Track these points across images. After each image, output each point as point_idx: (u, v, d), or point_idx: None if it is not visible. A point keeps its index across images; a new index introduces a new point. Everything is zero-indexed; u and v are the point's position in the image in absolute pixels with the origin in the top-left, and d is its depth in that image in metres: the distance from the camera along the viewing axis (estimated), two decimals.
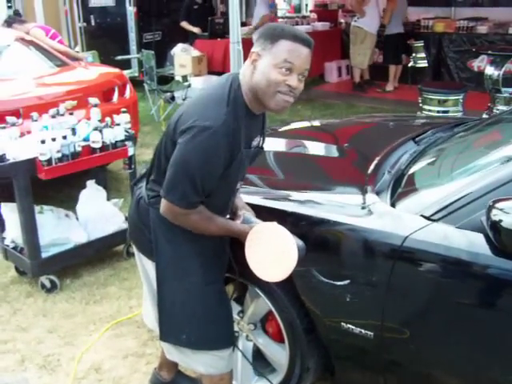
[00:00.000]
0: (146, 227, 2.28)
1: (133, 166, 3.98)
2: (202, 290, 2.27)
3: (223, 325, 2.37)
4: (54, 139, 3.45)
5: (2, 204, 3.86)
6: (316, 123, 4.20)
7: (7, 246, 3.86)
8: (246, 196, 2.57)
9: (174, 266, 2.27)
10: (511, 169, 2.05)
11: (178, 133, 2.03)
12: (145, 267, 2.44)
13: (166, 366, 2.79)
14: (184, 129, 1.99)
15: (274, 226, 2.15)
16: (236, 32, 5.85)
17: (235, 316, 2.66)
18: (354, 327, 2.22)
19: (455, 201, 2.08)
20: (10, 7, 11.89)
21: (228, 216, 2.35)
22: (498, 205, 1.86)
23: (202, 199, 2.09)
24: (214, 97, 2.06)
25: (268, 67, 1.97)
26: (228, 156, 2.02)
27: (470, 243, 1.98)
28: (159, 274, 2.29)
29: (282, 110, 2.07)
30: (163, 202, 2.11)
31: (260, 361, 2.70)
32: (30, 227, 3.59)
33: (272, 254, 2.11)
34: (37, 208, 3.76)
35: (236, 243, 2.27)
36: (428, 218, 2.11)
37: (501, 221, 1.84)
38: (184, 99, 8.29)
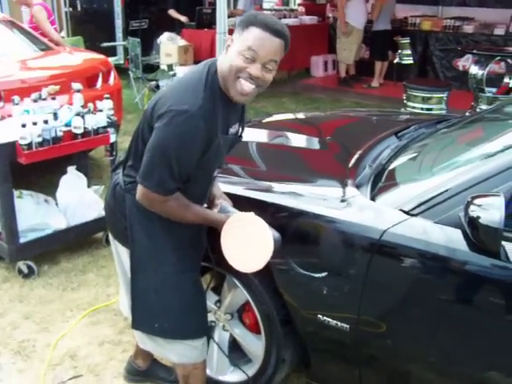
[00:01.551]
0: (122, 214, 2.26)
1: (114, 153, 3.95)
2: (176, 279, 2.26)
3: (197, 314, 2.36)
4: (35, 123, 3.41)
5: None
6: (300, 116, 4.20)
7: None
8: (228, 186, 2.57)
9: (148, 254, 2.25)
10: (490, 165, 2.06)
11: (156, 117, 2.02)
12: (119, 255, 2.42)
13: (142, 354, 2.79)
14: (161, 113, 1.98)
15: (250, 217, 2.15)
16: (223, 22, 5.83)
17: (212, 305, 2.66)
18: (330, 320, 2.22)
19: (434, 196, 2.09)
20: None
21: (205, 205, 2.34)
22: (476, 201, 1.87)
23: (179, 186, 2.08)
24: (191, 82, 2.05)
25: (234, 53, 1.96)
26: (205, 141, 2.01)
27: (448, 239, 1.99)
28: (133, 261, 2.28)
29: (243, 99, 2.04)
30: (139, 188, 2.09)
31: (236, 351, 2.70)
32: (8, 212, 3.56)
33: (248, 244, 2.11)
34: (16, 192, 3.73)
35: (213, 232, 2.26)
36: (407, 213, 2.11)
37: (478, 217, 1.85)
38: None
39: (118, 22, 10.35)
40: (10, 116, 3.68)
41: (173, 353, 2.40)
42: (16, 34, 5.75)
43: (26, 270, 3.73)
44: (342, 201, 2.31)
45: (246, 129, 3.71)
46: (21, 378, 2.88)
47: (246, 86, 1.97)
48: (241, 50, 1.94)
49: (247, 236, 2.11)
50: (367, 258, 2.10)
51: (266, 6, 12.71)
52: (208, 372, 2.74)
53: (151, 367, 2.84)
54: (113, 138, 3.88)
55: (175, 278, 2.26)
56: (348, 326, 2.19)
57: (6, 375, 2.89)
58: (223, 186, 2.56)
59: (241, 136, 2.31)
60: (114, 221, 2.35)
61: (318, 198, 2.38)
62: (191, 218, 2.18)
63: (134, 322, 2.38)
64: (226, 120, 2.12)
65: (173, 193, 2.07)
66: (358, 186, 2.41)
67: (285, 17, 11.29)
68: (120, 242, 2.37)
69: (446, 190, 2.07)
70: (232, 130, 2.19)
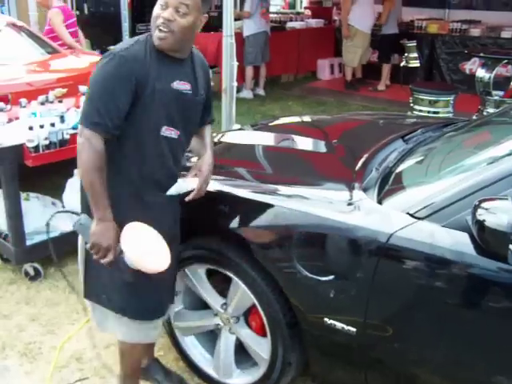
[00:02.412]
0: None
1: None
2: None
3: (147, 297, 2.38)
4: (42, 126, 3.42)
5: None
6: (306, 119, 4.21)
7: None
8: (234, 188, 2.57)
9: None
10: (498, 169, 2.05)
11: None
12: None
13: None
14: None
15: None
16: (229, 25, 5.81)
17: (218, 308, 2.66)
18: (336, 323, 2.22)
19: (441, 199, 2.08)
20: None
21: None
22: (483, 204, 1.87)
23: (107, 126, 2.12)
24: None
25: (155, 6, 2.17)
26: (133, 84, 2.12)
27: (455, 242, 1.98)
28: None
29: (161, 44, 2.16)
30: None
31: (242, 354, 2.69)
32: (15, 214, 3.57)
33: (149, 247, 2.21)
34: (23, 195, 3.74)
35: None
36: (414, 216, 2.11)
37: (486, 221, 1.84)
38: None
39: (125, 25, 10.33)
40: (17, 119, 3.69)
41: (117, 328, 2.48)
42: (23, 38, 5.77)
43: (32, 273, 3.74)
44: (349, 204, 2.31)
45: (253, 132, 3.73)
46: (27, 379, 2.88)
47: (161, 30, 2.13)
48: (158, 1, 2.15)
49: (149, 240, 2.21)
50: (374, 262, 2.09)
51: (272, 8, 12.70)
52: (214, 375, 2.75)
53: (149, 366, 2.84)
54: None
55: None
56: (354, 330, 2.18)
57: (12, 377, 2.90)
58: (229, 188, 2.57)
59: (197, 96, 2.34)
60: (82, 195, 2.34)
61: (324, 201, 2.38)
62: (90, 179, 2.13)
63: (85, 291, 2.48)
64: (167, 73, 2.21)
65: (97, 131, 2.12)
66: (364, 190, 2.41)
67: (291, 20, 11.31)
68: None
69: (454, 194, 2.07)
70: (178, 86, 2.24)
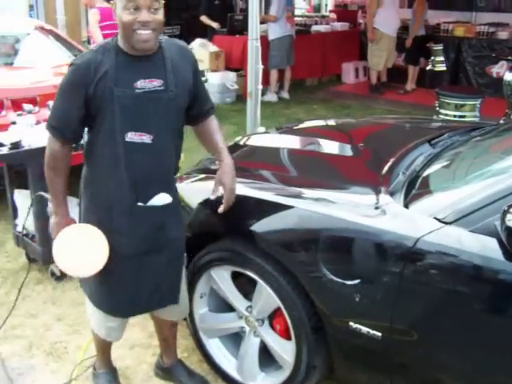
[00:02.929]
0: None
1: None
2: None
3: (112, 292, 2.42)
4: None
5: (16, 191, 3.88)
6: (331, 122, 4.19)
7: (19, 232, 3.87)
8: (260, 192, 2.58)
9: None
10: None
11: None
12: None
13: (165, 352, 2.88)
14: None
15: (89, 228, 2.31)
16: (255, 29, 5.82)
17: (243, 311, 2.66)
18: (362, 327, 2.21)
19: (469, 204, 2.06)
20: None
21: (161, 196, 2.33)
22: None
23: (63, 132, 2.23)
24: None
25: (120, 12, 2.09)
26: (83, 92, 2.12)
27: (483, 247, 1.96)
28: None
29: (146, 46, 2.12)
30: None
31: (266, 357, 2.69)
32: (42, 215, 3.60)
33: (83, 252, 2.28)
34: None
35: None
36: (441, 221, 2.09)
37: None
38: None
39: None
40: (45, 121, 3.72)
41: (91, 316, 2.63)
42: (51, 41, 5.85)
43: (58, 273, 3.77)
44: (376, 208, 2.30)
45: (278, 135, 3.73)
46: (53, 378, 2.91)
47: (143, 33, 2.08)
48: (124, 6, 2.06)
49: (83, 245, 2.28)
50: (400, 266, 2.08)
51: (297, 12, 12.71)
52: (238, 377, 2.75)
53: (174, 367, 2.87)
54: None
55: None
56: (380, 334, 2.17)
57: (38, 375, 2.94)
58: (256, 191, 2.57)
59: (171, 91, 2.23)
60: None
61: (351, 205, 2.37)
62: (47, 175, 2.32)
63: (80, 283, 2.65)
64: (129, 75, 2.16)
65: (52, 134, 2.25)
66: (391, 194, 2.40)
67: (316, 23, 11.30)
68: None
69: (482, 199, 2.04)
70: (144, 85, 2.17)
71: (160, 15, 2.10)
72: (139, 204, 2.28)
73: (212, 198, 2.49)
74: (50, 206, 2.46)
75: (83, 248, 2.27)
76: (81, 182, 2.40)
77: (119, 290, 2.41)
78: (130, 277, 2.38)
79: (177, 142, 2.36)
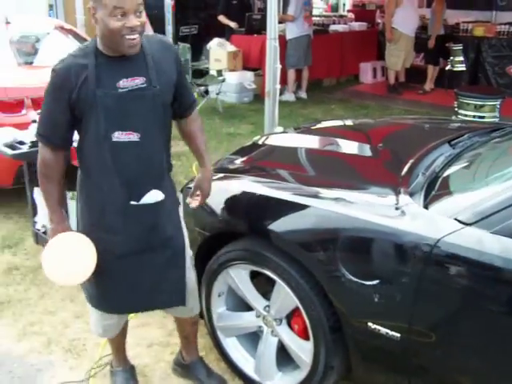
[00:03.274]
0: None
1: None
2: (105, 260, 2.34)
3: (112, 294, 2.43)
4: None
5: (35, 189, 3.91)
6: (349, 122, 4.18)
7: (38, 230, 3.92)
8: (279, 191, 2.58)
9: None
10: None
11: None
12: None
13: (185, 348, 2.88)
14: None
15: (78, 236, 2.33)
16: (273, 28, 5.82)
17: (261, 310, 2.66)
18: (380, 328, 2.20)
19: (490, 206, 2.05)
20: None
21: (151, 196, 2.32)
22: None
23: (49, 138, 2.23)
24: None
25: (105, 18, 2.05)
26: (66, 97, 2.12)
27: (504, 249, 1.94)
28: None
29: (135, 50, 2.13)
30: None
31: (284, 357, 2.69)
32: None
33: (71, 260, 2.29)
34: (69, 194, 3.80)
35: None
36: (461, 222, 2.08)
37: None
38: (218, 94, 8.32)
39: (169, 28, 10.47)
40: None
41: (91, 319, 2.67)
42: (71, 40, 5.88)
43: None
44: (396, 208, 2.29)
45: (296, 135, 3.73)
46: (71, 375, 2.94)
47: (132, 38, 2.07)
48: (110, 12, 2.02)
49: (71, 253, 2.28)
50: (420, 267, 2.07)
51: (314, 11, 12.69)
52: (255, 377, 2.75)
53: (194, 364, 2.87)
54: None
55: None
56: (399, 335, 2.16)
57: (57, 372, 2.96)
58: (274, 191, 2.57)
59: (155, 87, 2.21)
60: None
61: (370, 206, 2.36)
62: (40, 181, 2.33)
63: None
64: (111, 75, 2.15)
65: (43, 142, 2.26)
66: (411, 194, 2.38)
67: (334, 23, 11.28)
68: None
69: (503, 200, 2.03)
70: (126, 84, 2.17)
71: (144, 17, 2.10)
72: (132, 203, 2.27)
73: (192, 206, 2.62)
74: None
75: (71, 257, 2.29)
76: (77, 185, 2.40)
77: (114, 289, 2.42)
78: (123, 276, 2.39)
79: (165, 138, 2.35)
